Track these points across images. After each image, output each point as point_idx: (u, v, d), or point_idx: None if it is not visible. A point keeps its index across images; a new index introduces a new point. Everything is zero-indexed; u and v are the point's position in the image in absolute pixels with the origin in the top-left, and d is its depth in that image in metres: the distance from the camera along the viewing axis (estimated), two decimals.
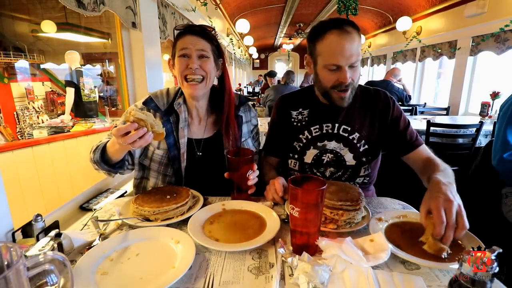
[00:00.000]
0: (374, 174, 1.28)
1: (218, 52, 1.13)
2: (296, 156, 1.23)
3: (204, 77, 1.07)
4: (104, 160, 0.99)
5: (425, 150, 1.14)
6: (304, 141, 1.21)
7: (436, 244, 0.71)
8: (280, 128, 1.27)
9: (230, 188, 1.06)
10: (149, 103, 1.12)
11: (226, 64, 1.18)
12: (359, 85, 1.19)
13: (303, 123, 1.22)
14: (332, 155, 1.19)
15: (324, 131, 1.19)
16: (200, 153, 1.16)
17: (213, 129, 1.20)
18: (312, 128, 1.20)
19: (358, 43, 1.03)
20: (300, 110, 1.23)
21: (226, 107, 1.15)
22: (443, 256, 0.70)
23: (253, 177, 1.02)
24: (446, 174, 0.94)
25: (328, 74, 1.06)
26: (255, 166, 1.04)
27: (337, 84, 1.06)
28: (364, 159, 1.18)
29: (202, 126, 1.19)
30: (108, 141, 0.99)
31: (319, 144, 1.19)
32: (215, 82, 1.20)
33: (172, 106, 1.12)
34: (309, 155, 1.20)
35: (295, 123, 1.23)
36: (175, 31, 1.12)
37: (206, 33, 1.09)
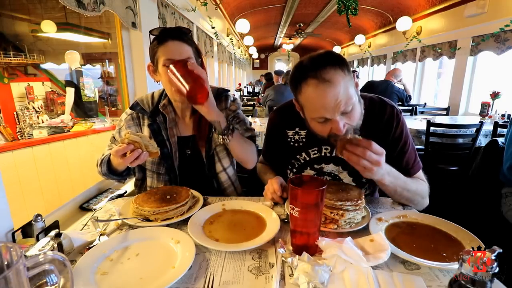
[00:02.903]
0: (376, 187, 1.20)
1: (198, 52, 1.12)
2: (294, 170, 1.18)
3: None
4: (111, 171, 1.06)
5: (419, 177, 1.05)
6: (302, 161, 1.14)
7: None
8: (276, 144, 1.20)
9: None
10: (135, 107, 1.17)
11: (205, 62, 1.18)
12: (364, 97, 1.03)
13: (301, 144, 1.13)
14: (330, 178, 1.12)
15: (323, 154, 1.11)
16: (189, 151, 1.19)
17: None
18: (310, 150, 1.12)
19: (346, 83, 0.84)
20: (297, 129, 1.13)
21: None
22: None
23: (191, 67, 0.97)
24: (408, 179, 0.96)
25: (319, 126, 0.92)
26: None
27: (332, 134, 0.90)
28: (364, 180, 1.11)
29: (190, 124, 1.21)
30: (110, 153, 1.03)
31: (316, 166, 1.13)
32: None
33: (157, 108, 1.16)
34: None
35: (291, 143, 1.14)
36: (151, 36, 1.09)
37: (186, 36, 1.08)
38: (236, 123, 1.22)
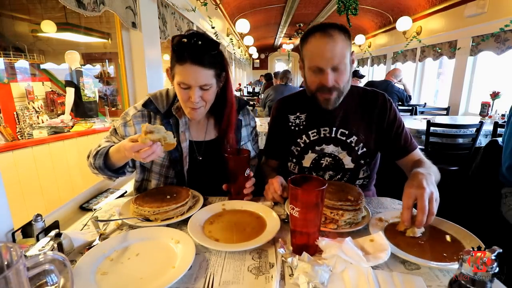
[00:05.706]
0: (373, 175, 1.29)
1: (222, 68, 1.05)
2: (294, 160, 1.23)
3: (204, 106, 1.05)
4: (107, 166, 0.98)
5: (417, 154, 1.14)
6: (302, 145, 1.20)
7: (411, 229, 0.79)
8: (278, 131, 1.26)
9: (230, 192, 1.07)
10: (149, 105, 1.10)
11: (230, 74, 1.12)
12: (357, 87, 1.20)
13: (301, 127, 1.21)
14: (330, 159, 1.18)
15: (322, 135, 1.18)
16: (200, 157, 1.16)
17: (214, 132, 1.19)
18: (310, 133, 1.19)
19: (344, 46, 1.01)
20: (298, 114, 1.23)
21: (225, 119, 1.13)
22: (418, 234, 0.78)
23: (249, 185, 1.03)
24: (427, 168, 0.97)
25: (313, 76, 1.07)
26: (252, 174, 1.05)
27: (320, 86, 1.06)
28: (362, 161, 1.18)
29: (203, 128, 1.18)
30: (109, 146, 0.97)
31: (317, 148, 1.19)
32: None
33: (171, 109, 1.11)
34: (308, 159, 1.20)
35: (292, 127, 1.22)
36: (173, 40, 1.00)
37: (209, 57, 0.98)
38: (254, 143, 1.29)
